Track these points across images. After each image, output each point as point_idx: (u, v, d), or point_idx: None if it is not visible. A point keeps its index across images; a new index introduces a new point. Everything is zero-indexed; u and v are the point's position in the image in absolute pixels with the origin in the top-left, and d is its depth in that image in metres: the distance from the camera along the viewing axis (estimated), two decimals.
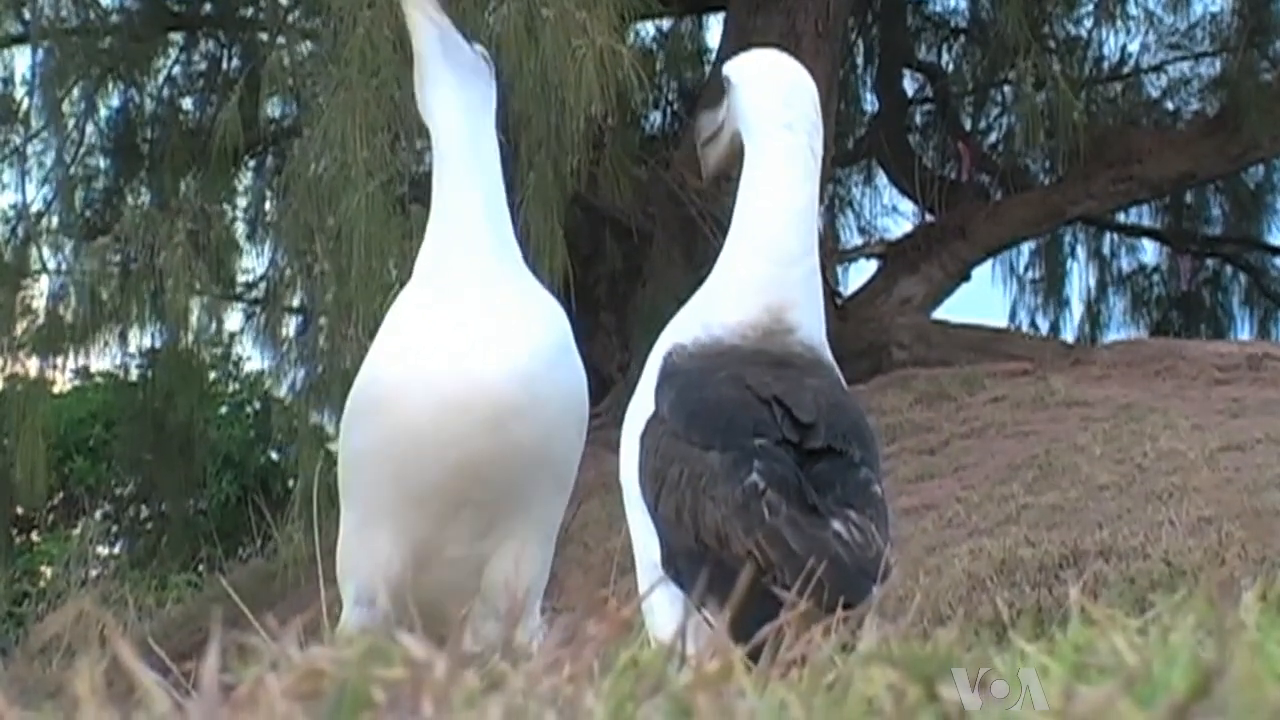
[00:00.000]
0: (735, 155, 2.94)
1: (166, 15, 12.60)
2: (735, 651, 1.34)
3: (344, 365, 8.55)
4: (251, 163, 12.86)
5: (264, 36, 11.61)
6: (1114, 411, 9.27)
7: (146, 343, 11.90)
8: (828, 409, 2.69)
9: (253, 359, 15.02)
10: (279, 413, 13.69)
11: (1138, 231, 15.68)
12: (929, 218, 13.70)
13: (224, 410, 15.35)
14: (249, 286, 13.21)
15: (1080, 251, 15.52)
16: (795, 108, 2.86)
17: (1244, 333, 15.11)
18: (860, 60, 14.83)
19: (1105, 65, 14.55)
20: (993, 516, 7.62)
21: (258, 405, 15.35)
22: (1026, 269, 15.34)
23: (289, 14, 11.56)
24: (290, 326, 12.33)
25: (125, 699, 1.24)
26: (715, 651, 1.34)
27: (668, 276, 11.03)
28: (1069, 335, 15.04)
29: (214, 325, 12.57)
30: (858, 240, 14.92)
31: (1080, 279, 15.42)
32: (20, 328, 11.29)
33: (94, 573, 13.04)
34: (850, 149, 14.71)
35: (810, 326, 2.82)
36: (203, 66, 13.06)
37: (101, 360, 12.97)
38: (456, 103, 2.97)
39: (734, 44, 10.97)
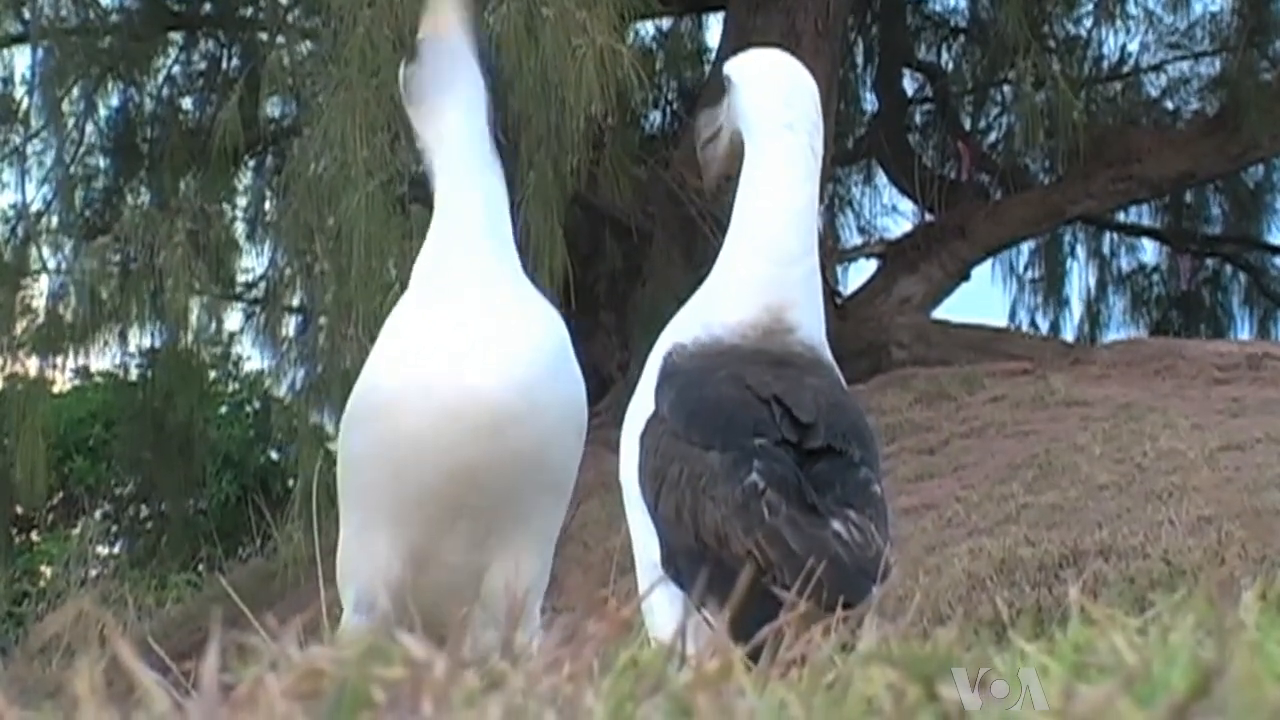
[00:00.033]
0: (736, 161, 2.93)
1: (166, 15, 12.60)
2: (735, 651, 1.34)
3: (344, 365, 8.55)
4: (251, 162, 12.85)
5: (264, 36, 11.61)
6: (1114, 411, 9.27)
7: (146, 342, 11.91)
8: (827, 409, 2.69)
9: (252, 359, 15.05)
10: (279, 412, 13.70)
11: (1137, 231, 15.67)
12: (929, 217, 13.70)
13: (224, 410, 15.35)
14: (249, 286, 13.21)
15: (1080, 251, 15.53)
16: (796, 107, 2.86)
17: (1244, 332, 15.12)
18: (860, 60, 14.83)
19: (1105, 65, 14.55)
20: (992, 516, 7.62)
21: (257, 405, 15.35)
22: (1026, 268, 15.35)
23: (289, 13, 11.56)
24: (290, 326, 12.34)
25: (125, 699, 1.24)
26: (715, 651, 1.34)
27: (667, 276, 11.03)
28: (1069, 335, 15.05)
29: (214, 325, 12.58)
30: (857, 240, 14.93)
31: (1080, 278, 15.44)
32: (20, 327, 11.29)
33: (94, 572, 13.05)
34: (850, 148, 14.71)
35: (810, 326, 2.82)
36: (202, 66, 13.06)
37: (101, 360, 12.99)
38: (457, 107, 2.97)
39: (734, 43, 10.97)
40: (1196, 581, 5.27)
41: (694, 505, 2.60)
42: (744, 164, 2.89)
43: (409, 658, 1.18)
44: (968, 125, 14.79)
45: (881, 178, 15.00)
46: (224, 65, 12.91)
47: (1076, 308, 15.36)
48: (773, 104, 2.86)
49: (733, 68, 2.97)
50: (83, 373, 14.88)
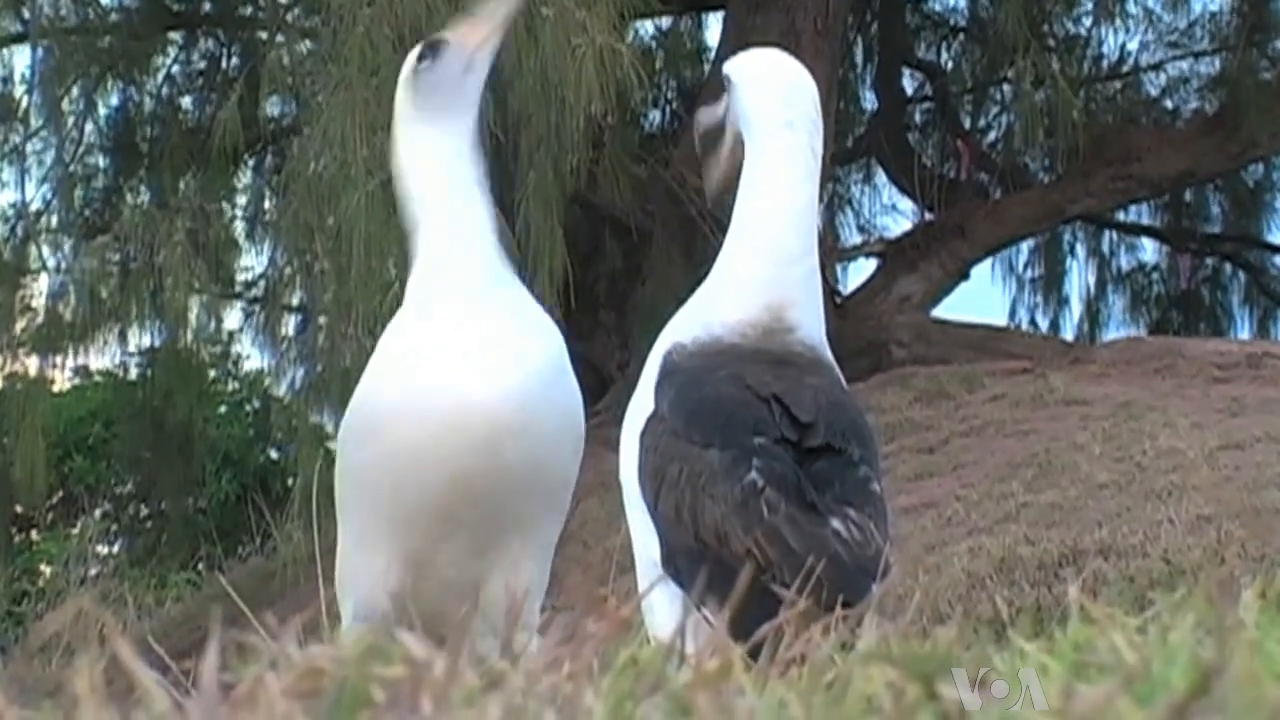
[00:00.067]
0: (737, 169, 2.93)
1: (166, 14, 12.60)
2: (735, 650, 1.34)
3: (343, 364, 8.55)
4: (251, 161, 12.85)
5: (263, 35, 11.61)
6: (1113, 410, 9.27)
7: (146, 341, 11.91)
8: (827, 407, 2.69)
9: (252, 358, 15.05)
10: (278, 411, 13.71)
11: (1137, 230, 15.68)
12: (928, 216, 13.71)
13: (223, 409, 15.35)
14: (248, 285, 13.22)
15: (1079, 250, 15.54)
16: (795, 106, 2.86)
17: (1243, 331, 15.12)
18: (859, 59, 14.84)
19: (1104, 64, 14.55)
20: (992, 515, 7.62)
21: (257, 404, 15.36)
22: (1026, 267, 15.36)
23: (288, 13, 11.56)
24: (290, 325, 12.34)
25: (125, 698, 1.24)
26: (715, 650, 1.34)
27: (667, 275, 11.03)
28: (1068, 333, 15.05)
29: (213, 324, 12.57)
30: (857, 239, 14.94)
31: (1079, 277, 15.45)
32: (20, 326, 11.30)
33: (93, 571, 13.05)
34: (849, 147, 14.72)
35: (810, 325, 2.82)
36: (202, 65, 13.06)
37: (101, 359, 12.99)
38: (456, 119, 2.97)
39: (733, 42, 10.97)
40: (1196, 580, 5.27)
41: (694, 504, 2.60)
42: (744, 164, 2.89)
43: (409, 657, 1.18)
44: (967, 124, 14.80)
45: (881, 177, 15.01)
46: (224, 64, 12.92)
47: (1076, 307, 15.39)
48: (772, 103, 2.86)
49: (732, 68, 2.97)
50: (82, 372, 14.89)
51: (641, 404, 2.81)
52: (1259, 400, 9.32)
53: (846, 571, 2.49)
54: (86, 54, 11.80)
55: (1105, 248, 15.64)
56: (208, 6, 13.17)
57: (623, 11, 8.61)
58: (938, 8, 15.06)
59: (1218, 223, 15.50)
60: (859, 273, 13.82)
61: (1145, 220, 15.62)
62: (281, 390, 13.20)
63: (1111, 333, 15.04)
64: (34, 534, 14.73)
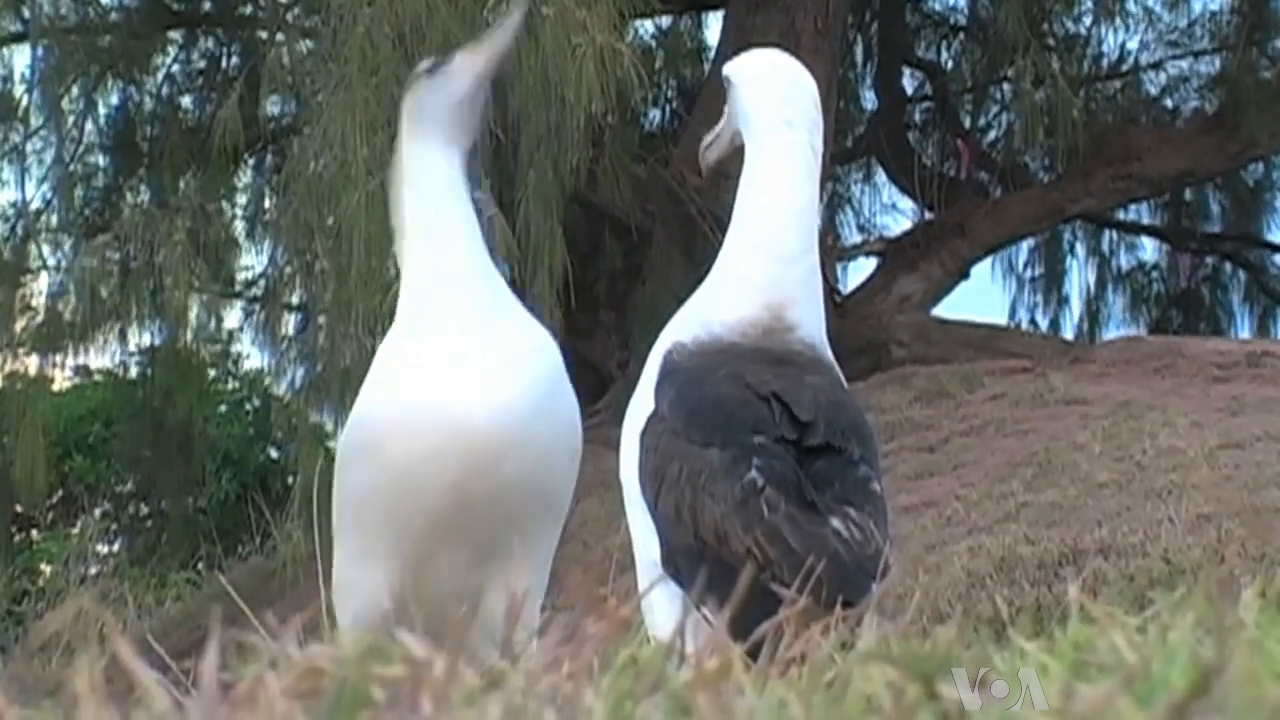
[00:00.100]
0: (735, 151, 2.94)
1: (166, 13, 12.60)
2: (734, 650, 1.34)
3: (343, 363, 8.55)
4: (251, 161, 12.85)
5: (263, 34, 11.61)
6: (1113, 409, 9.27)
7: (146, 340, 11.91)
8: (827, 407, 2.69)
9: (252, 357, 15.06)
10: (278, 410, 13.72)
11: (1137, 229, 15.68)
12: (928, 215, 13.71)
13: (223, 408, 15.35)
14: (248, 284, 13.22)
15: (1079, 249, 15.54)
16: (795, 105, 2.86)
17: (1243, 330, 15.12)
18: (859, 58, 14.84)
19: (1104, 63, 14.55)
20: (992, 514, 7.62)
21: (257, 403, 15.36)
22: (1026, 267, 15.36)
23: (288, 12, 11.56)
24: (290, 324, 12.34)
25: (125, 697, 1.24)
26: (714, 649, 1.34)
27: (667, 274, 11.03)
28: (1068, 333, 15.05)
29: (213, 323, 12.57)
30: (857, 238, 14.94)
31: (1079, 276, 15.45)
32: (20, 325, 11.29)
33: (93, 570, 13.06)
34: (849, 147, 14.72)
35: (810, 324, 2.82)
36: (202, 64, 13.06)
37: (101, 358, 12.98)
38: (452, 136, 2.98)
39: (733, 42, 10.97)
40: (1196, 580, 5.27)
41: (693, 503, 2.60)
42: (744, 163, 2.89)
43: (409, 657, 1.18)
44: (967, 123, 14.80)
45: (881, 176, 15.01)
46: (224, 64, 12.91)
47: (1076, 306, 15.39)
48: (772, 102, 2.86)
49: (732, 68, 2.97)
50: (82, 371, 14.88)
51: (642, 403, 2.81)
52: (1259, 399, 9.31)
53: (846, 571, 2.49)
54: (86, 53, 11.80)
55: (1105, 247, 15.65)
56: (208, 6, 13.17)
57: (623, 11, 8.61)
58: (938, 7, 15.06)
59: (1218, 222, 15.50)
60: (859, 272, 13.84)
61: (1145, 220, 15.62)
62: (281, 390, 13.21)
63: (1111, 332, 15.06)
64: (34, 533, 14.73)
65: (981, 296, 14.54)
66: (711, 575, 2.49)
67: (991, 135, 14.93)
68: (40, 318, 11.21)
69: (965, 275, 13.48)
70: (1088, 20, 14.46)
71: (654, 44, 14.24)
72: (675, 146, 11.92)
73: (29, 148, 11.90)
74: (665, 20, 14.14)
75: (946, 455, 9.10)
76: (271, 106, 11.64)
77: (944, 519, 7.72)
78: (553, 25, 8.27)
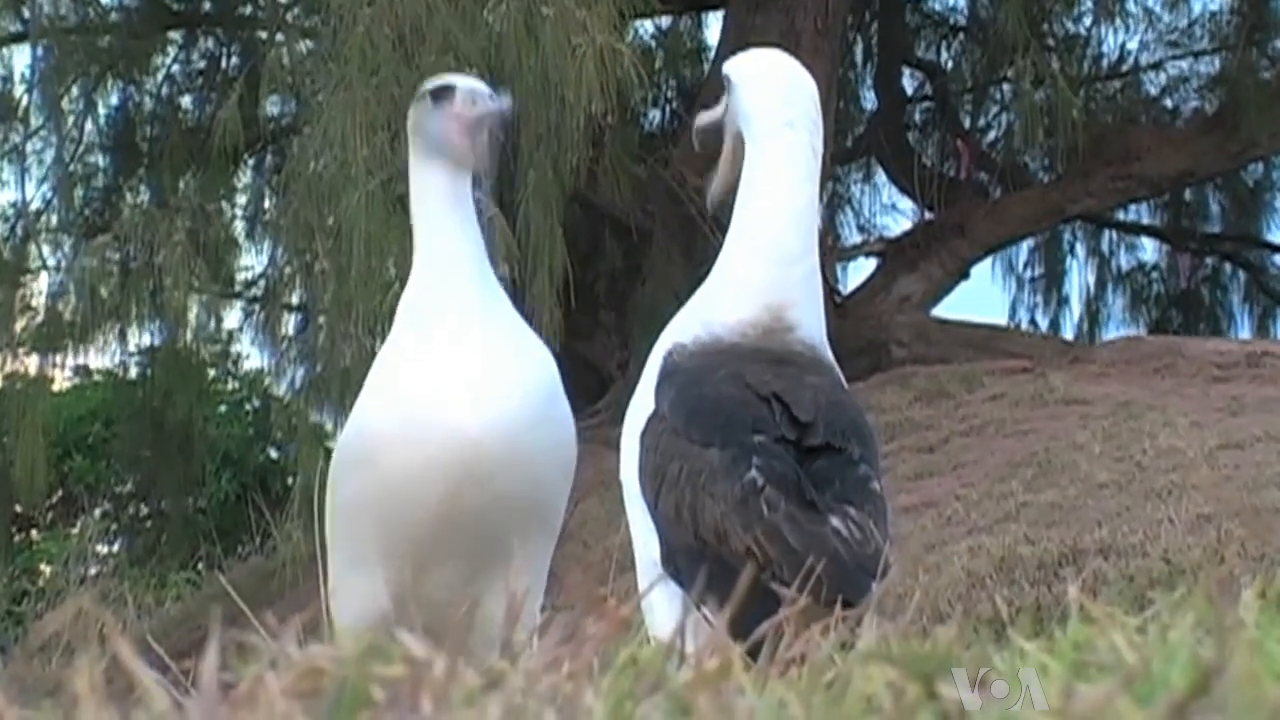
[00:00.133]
0: (739, 176, 2.92)
1: (166, 13, 12.60)
2: (734, 650, 1.34)
3: (343, 363, 8.55)
4: (251, 161, 12.85)
5: (263, 35, 11.61)
6: (1113, 409, 9.27)
7: (146, 340, 11.91)
8: (827, 407, 2.69)
9: (252, 357, 15.05)
10: (278, 411, 13.71)
11: (1137, 229, 15.68)
12: (928, 215, 13.70)
13: (223, 408, 15.35)
14: (248, 285, 13.22)
15: (1079, 249, 15.54)
16: (796, 106, 2.86)
17: (1243, 330, 15.12)
18: (859, 58, 14.84)
19: (1104, 63, 14.55)
20: (992, 514, 7.62)
21: (257, 403, 15.36)
22: (1025, 267, 15.36)
23: (288, 12, 11.56)
24: (289, 325, 12.34)
25: (124, 697, 1.24)
26: (715, 649, 1.34)
27: (667, 275, 11.03)
28: (1068, 333, 15.05)
29: (213, 323, 12.57)
30: (857, 238, 14.94)
31: (1079, 277, 15.45)
32: (20, 325, 11.29)
33: (93, 571, 13.05)
34: (849, 147, 14.72)
35: (810, 325, 2.83)
36: (202, 65, 13.06)
37: (101, 358, 12.98)
38: (436, 164, 2.98)
39: (733, 42, 10.97)
40: (1196, 580, 5.27)
41: (693, 502, 2.60)
42: (744, 164, 2.88)
43: (408, 657, 1.18)
44: (967, 123, 14.80)
45: (881, 176, 15.01)
46: (224, 64, 12.91)
47: (1076, 306, 15.39)
48: (772, 103, 2.86)
49: (732, 68, 2.97)
50: (82, 371, 14.88)
51: (642, 404, 2.81)
52: (1259, 400, 9.31)
53: (846, 570, 2.49)
54: (86, 53, 11.80)
55: (1105, 247, 15.65)
56: (208, 6, 13.16)
57: (623, 11, 8.61)
58: (938, 7, 15.06)
59: (1217, 222, 15.50)
60: (859, 272, 13.84)
61: (1145, 220, 15.62)
62: (281, 390, 13.20)
63: (1111, 332, 15.05)
64: (34, 534, 14.73)
65: (981, 296, 14.55)
66: (711, 575, 2.49)
67: (991, 135, 14.93)
68: (40, 318, 11.21)
69: (965, 275, 13.48)
70: (1088, 20, 14.47)
71: (654, 44, 14.24)
72: (675, 146, 11.92)
73: (29, 148, 11.90)
74: (665, 20, 14.14)
75: (946, 455, 9.10)
76: (271, 106, 11.64)
77: (944, 519, 7.72)
78: (553, 25, 8.27)
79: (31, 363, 11.12)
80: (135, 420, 12.53)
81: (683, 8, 13.85)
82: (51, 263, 11.59)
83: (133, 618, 10.35)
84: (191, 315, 11.37)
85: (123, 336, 11.60)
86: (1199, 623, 1.40)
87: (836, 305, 11.91)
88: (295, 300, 11.95)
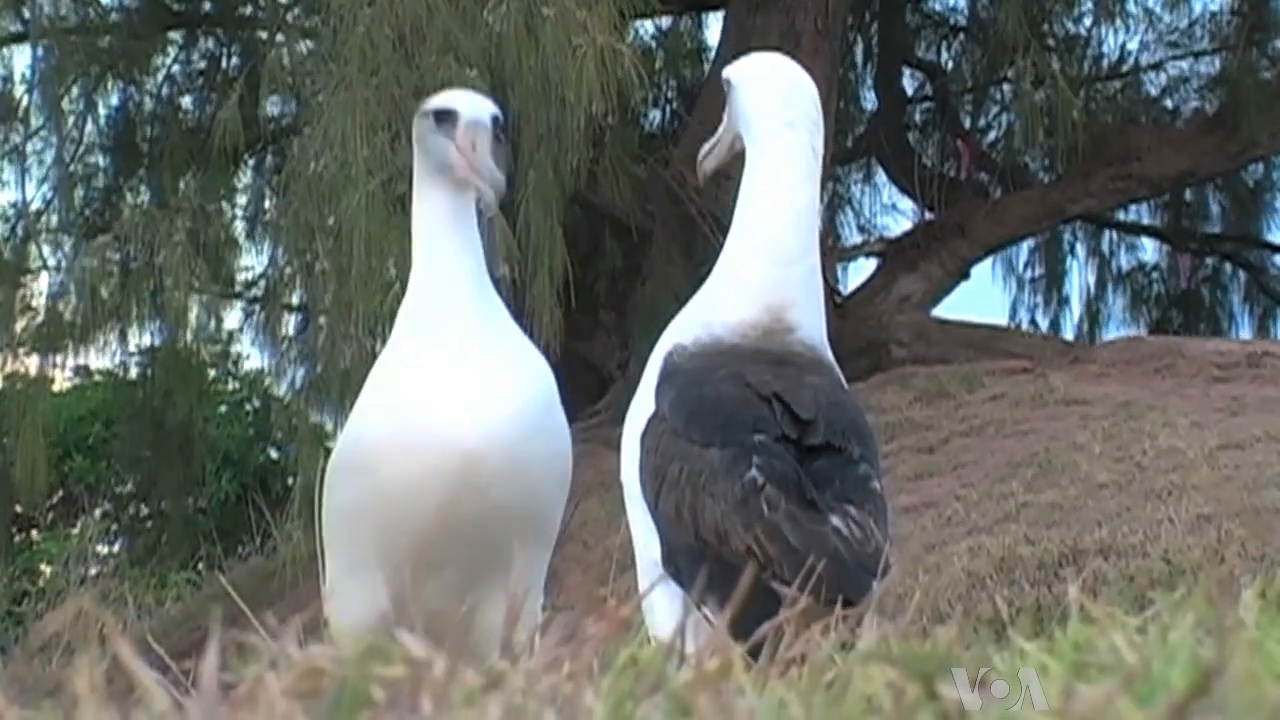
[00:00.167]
0: (734, 153, 2.94)
1: (166, 14, 12.60)
2: (735, 650, 1.34)
3: (343, 364, 8.55)
4: (251, 161, 12.85)
5: (264, 35, 11.61)
6: (1113, 409, 9.27)
7: (146, 341, 11.91)
8: (827, 406, 2.69)
9: (252, 357, 15.05)
10: (278, 411, 13.72)
11: (1137, 229, 15.68)
12: (928, 216, 13.70)
13: (223, 409, 15.35)
14: (248, 285, 13.22)
15: (1079, 249, 15.54)
16: (796, 107, 2.86)
17: (1243, 330, 15.12)
18: (860, 58, 14.84)
19: (1105, 63, 14.55)
20: (992, 514, 7.62)
21: (257, 403, 15.36)
22: (1026, 267, 15.36)
23: (288, 12, 11.56)
24: (290, 325, 12.34)
25: (125, 697, 1.24)
26: (715, 650, 1.34)
27: (667, 275, 11.03)
28: (1068, 333, 15.05)
29: (213, 323, 12.57)
30: (857, 238, 14.94)
31: (1079, 277, 15.45)
32: (20, 325, 11.29)
33: (93, 571, 13.05)
34: (850, 147, 14.72)
35: (810, 325, 2.83)
36: (202, 65, 13.06)
37: (101, 358, 12.98)
38: (438, 181, 2.97)
39: (733, 42, 10.98)
40: (1196, 580, 5.27)
41: (694, 502, 2.60)
42: (745, 165, 2.89)
43: (409, 657, 1.18)
44: (967, 124, 14.79)
45: (881, 176, 15.01)
46: (224, 64, 12.92)
47: (1076, 306, 15.39)
48: (772, 104, 2.86)
49: (733, 71, 2.97)
50: (82, 371, 14.88)
51: (643, 405, 2.81)
52: (1259, 400, 9.31)
53: (847, 568, 2.49)
54: (86, 54, 11.80)
55: (1105, 247, 15.65)
56: (208, 6, 13.16)
57: (623, 11, 8.61)
58: (938, 8, 15.06)
59: (1218, 222, 15.50)
60: (859, 273, 13.84)
61: (1145, 220, 15.62)
62: (281, 390, 13.21)
63: (1111, 332, 15.05)
64: (34, 534, 14.73)
65: (981, 297, 14.55)
66: (712, 575, 2.49)
67: (991, 135, 14.93)
68: (40, 318, 11.21)
69: (965, 275, 13.48)
70: (1088, 20, 14.47)
71: (654, 44, 14.24)
72: (675, 147, 11.92)
73: (29, 148, 11.90)
74: (665, 20, 14.14)
75: (946, 455, 9.09)
76: (271, 107, 11.64)
77: (944, 519, 7.72)
78: (553, 25, 8.27)
79: (32, 363, 11.12)
80: (135, 420, 12.53)
81: (683, 8, 13.85)
82: (51, 263, 11.60)
83: (133, 618, 10.35)
84: (191, 315, 11.37)
85: (123, 337, 11.61)
86: (1199, 623, 1.40)
87: (836, 305, 11.91)
88: (295, 301, 11.95)
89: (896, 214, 14.99)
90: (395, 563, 2.82)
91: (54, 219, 11.83)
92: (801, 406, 2.66)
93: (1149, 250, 15.64)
